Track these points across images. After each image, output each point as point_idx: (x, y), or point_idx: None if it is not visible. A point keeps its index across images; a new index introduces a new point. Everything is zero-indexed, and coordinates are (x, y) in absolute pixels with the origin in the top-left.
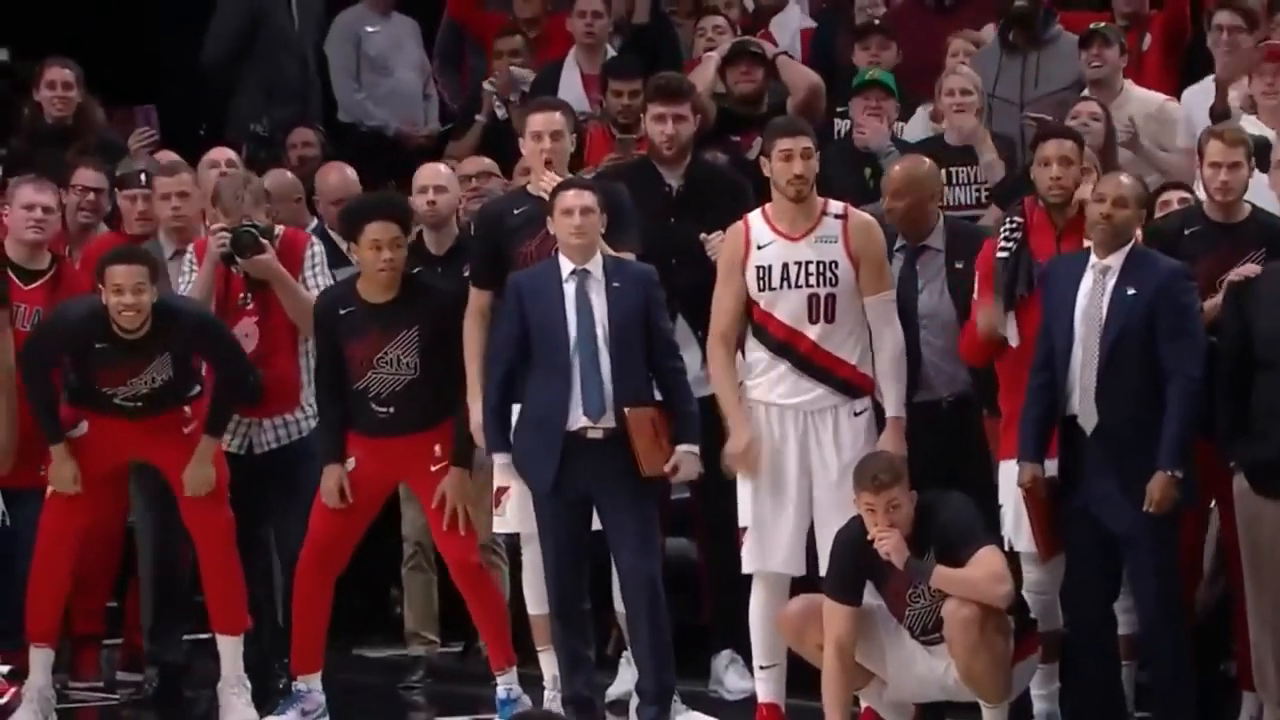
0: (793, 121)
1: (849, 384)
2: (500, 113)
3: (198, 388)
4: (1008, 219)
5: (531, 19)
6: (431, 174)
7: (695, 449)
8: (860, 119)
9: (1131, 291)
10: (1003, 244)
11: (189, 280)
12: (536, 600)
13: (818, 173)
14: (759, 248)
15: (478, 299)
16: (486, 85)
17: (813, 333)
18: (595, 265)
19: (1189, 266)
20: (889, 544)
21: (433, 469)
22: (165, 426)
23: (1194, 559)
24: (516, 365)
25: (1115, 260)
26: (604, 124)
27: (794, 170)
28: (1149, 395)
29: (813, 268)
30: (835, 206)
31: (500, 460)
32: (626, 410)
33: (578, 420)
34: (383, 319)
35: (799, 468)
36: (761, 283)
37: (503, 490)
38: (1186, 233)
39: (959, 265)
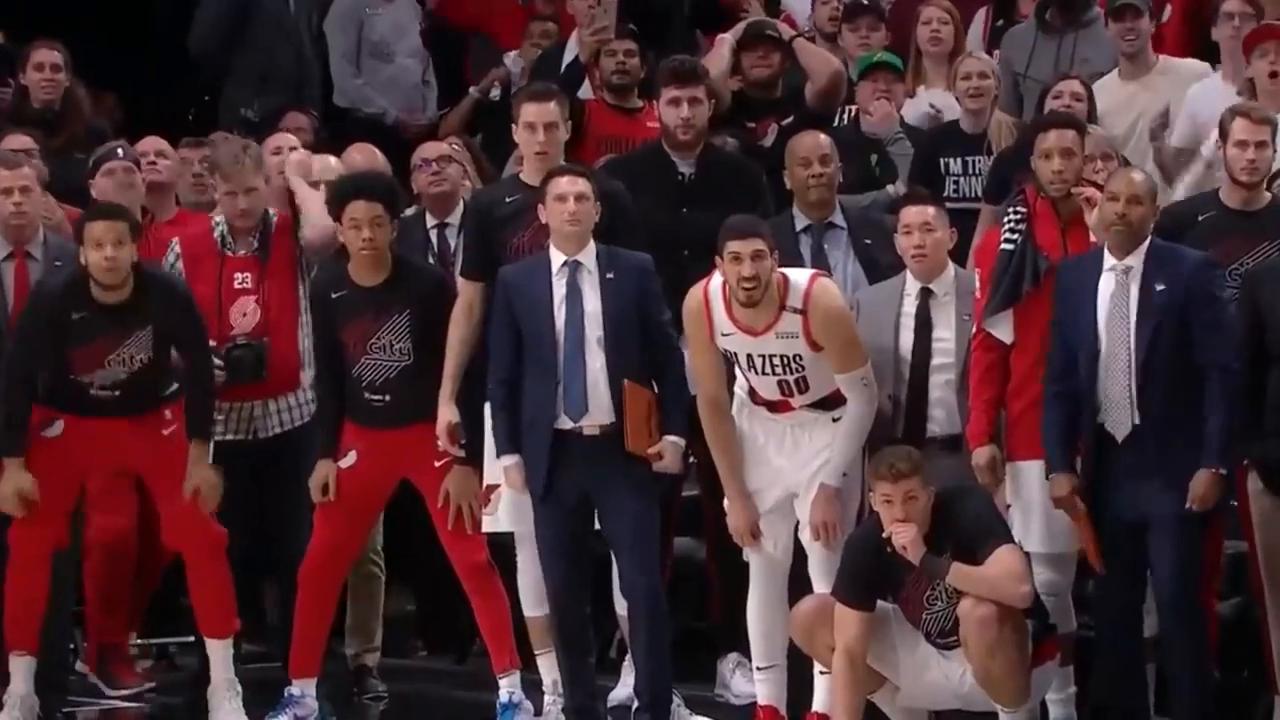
0: (746, 222)
1: (831, 401)
2: (494, 93)
3: (175, 385)
4: (1011, 210)
5: (552, 14)
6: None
7: (681, 442)
8: (868, 103)
9: (1160, 288)
10: (1006, 236)
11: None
12: (534, 602)
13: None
14: (723, 335)
15: (466, 290)
16: (510, 60)
17: (795, 401)
18: (588, 256)
19: (1212, 255)
20: (905, 537)
21: (437, 464)
22: (144, 428)
23: (1215, 557)
24: (518, 361)
25: (1135, 260)
26: (598, 94)
27: (743, 273)
28: (1187, 391)
29: (777, 360)
30: (795, 296)
31: (508, 462)
32: (626, 382)
33: (564, 421)
34: (375, 302)
35: (779, 453)
36: (731, 361)
37: (493, 488)
38: (1200, 219)
39: (868, 242)
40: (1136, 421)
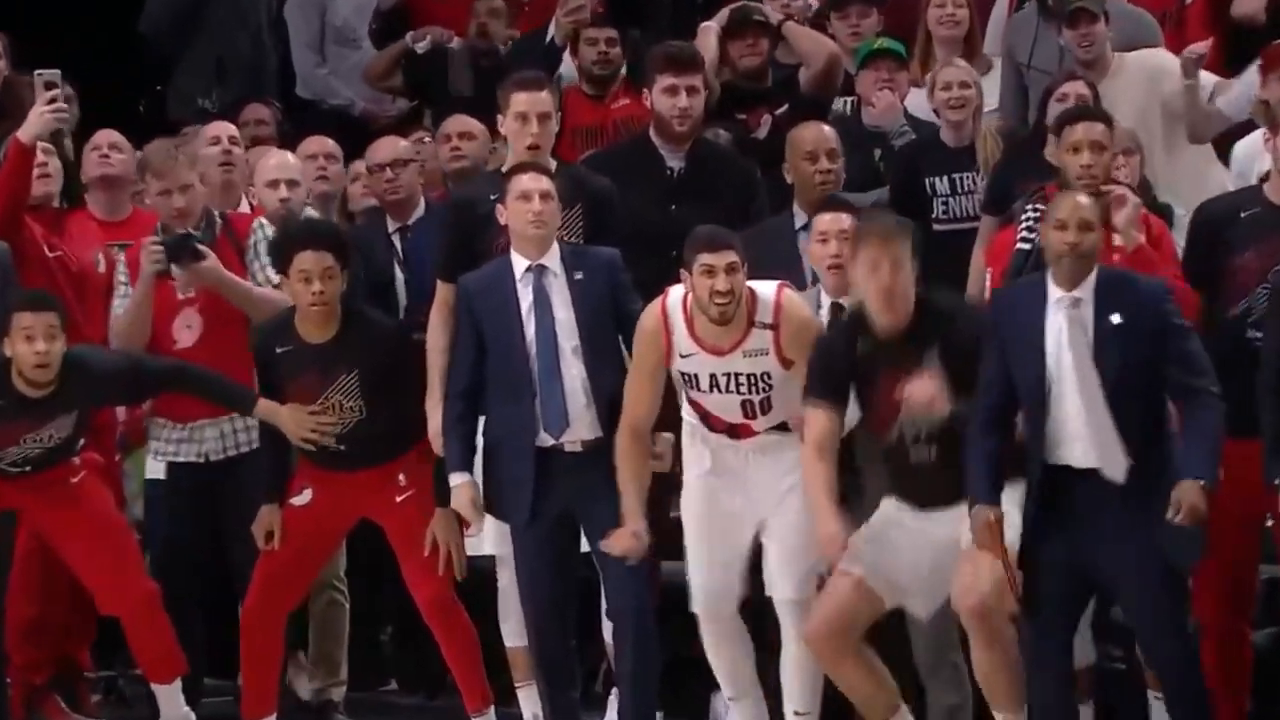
0: (717, 233)
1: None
2: (421, 46)
3: (83, 440)
4: (1030, 207)
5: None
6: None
7: (671, 437)
8: (870, 94)
9: (1117, 320)
10: (1023, 235)
11: (124, 294)
12: (515, 631)
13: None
14: (682, 356)
15: (444, 293)
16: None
17: (756, 424)
18: (553, 259)
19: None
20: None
21: (398, 498)
22: (48, 483)
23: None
24: (478, 373)
25: (1084, 291)
26: (576, 82)
27: (717, 287)
28: (1154, 429)
29: (743, 379)
30: (764, 310)
31: (456, 480)
32: None
33: (546, 438)
34: (321, 361)
35: (736, 488)
36: (689, 385)
37: None
38: (1242, 215)
39: None
40: (1093, 462)
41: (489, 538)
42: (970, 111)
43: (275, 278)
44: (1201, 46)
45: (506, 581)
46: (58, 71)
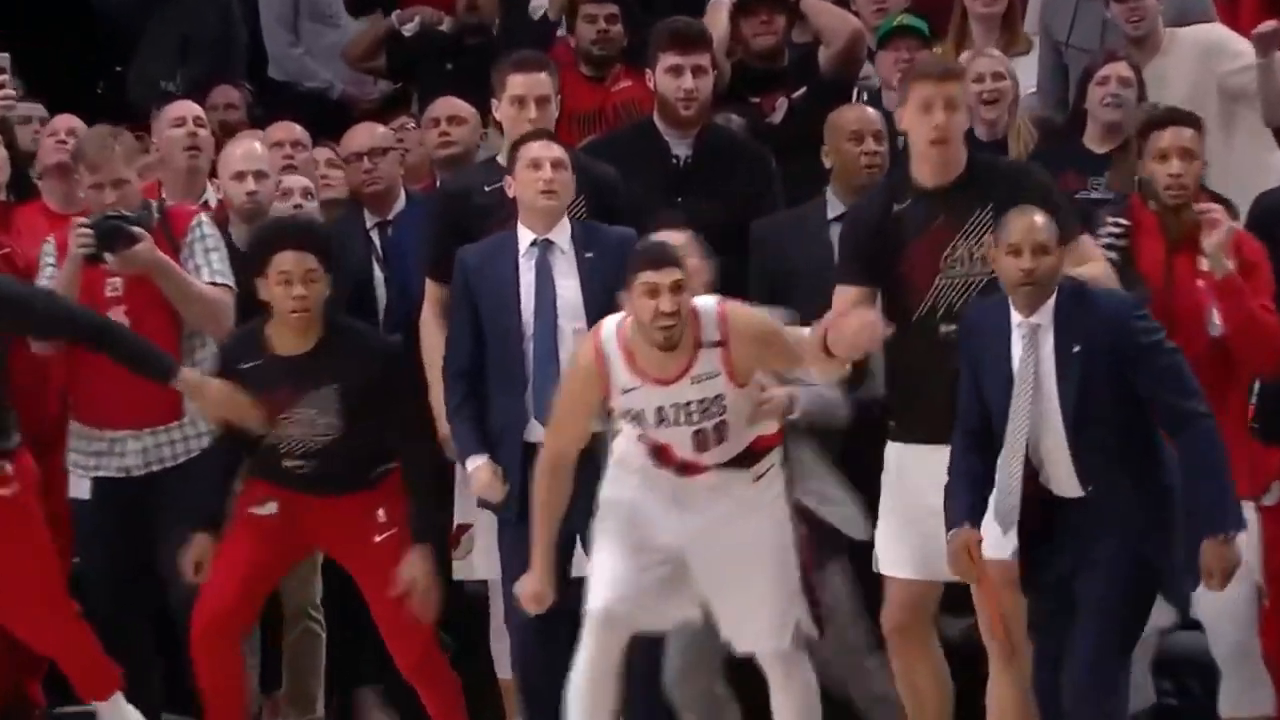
0: (660, 248)
1: (750, 455)
2: (409, 28)
3: (16, 437)
4: (1111, 221)
5: None
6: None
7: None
8: (890, 76)
9: (1077, 349)
10: (1103, 252)
11: (50, 275)
12: (508, 663)
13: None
14: (623, 392)
15: (435, 294)
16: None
17: (708, 457)
18: (561, 234)
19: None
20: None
21: (376, 538)
22: None
23: None
24: (479, 353)
25: (1043, 317)
26: (573, 61)
27: (662, 308)
28: (1131, 452)
29: (694, 407)
30: (710, 328)
31: (473, 463)
32: None
33: (535, 430)
34: (295, 373)
35: (672, 515)
36: (633, 422)
37: (464, 528)
38: None
39: None
40: (1061, 490)
41: (481, 561)
42: (1005, 106)
43: (209, 278)
44: (1273, 23)
45: (498, 609)
46: (6, 56)
